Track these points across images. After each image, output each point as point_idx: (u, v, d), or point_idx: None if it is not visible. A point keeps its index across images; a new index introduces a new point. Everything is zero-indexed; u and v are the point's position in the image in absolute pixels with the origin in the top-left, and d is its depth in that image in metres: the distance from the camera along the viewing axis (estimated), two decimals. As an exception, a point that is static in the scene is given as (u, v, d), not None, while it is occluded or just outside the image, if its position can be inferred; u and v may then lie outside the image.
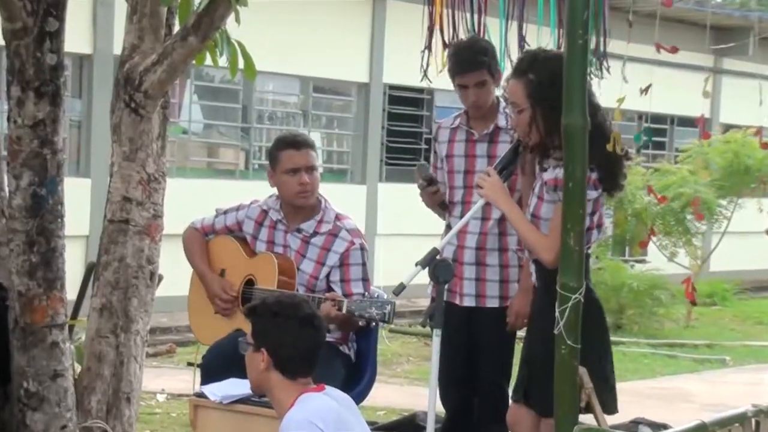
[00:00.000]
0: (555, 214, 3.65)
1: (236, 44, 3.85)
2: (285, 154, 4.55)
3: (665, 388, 8.86)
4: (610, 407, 3.72)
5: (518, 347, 4.22)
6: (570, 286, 3.27)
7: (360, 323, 4.28)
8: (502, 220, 4.50)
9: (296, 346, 3.29)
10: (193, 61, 3.88)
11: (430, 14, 5.08)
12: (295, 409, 3.19)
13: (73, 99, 11.18)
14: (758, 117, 4.47)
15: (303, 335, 3.30)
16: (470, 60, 4.53)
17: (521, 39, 5.06)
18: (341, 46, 13.18)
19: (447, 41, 5.05)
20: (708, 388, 8.86)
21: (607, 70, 4.84)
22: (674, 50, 4.30)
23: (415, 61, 5.12)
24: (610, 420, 3.67)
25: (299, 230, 4.56)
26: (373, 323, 4.22)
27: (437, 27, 5.06)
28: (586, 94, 3.25)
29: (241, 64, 3.85)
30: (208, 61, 3.91)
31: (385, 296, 4.53)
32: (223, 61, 3.89)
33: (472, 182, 4.45)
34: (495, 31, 5.10)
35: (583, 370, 3.35)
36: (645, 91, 4.49)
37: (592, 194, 3.61)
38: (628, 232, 12.45)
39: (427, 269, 3.68)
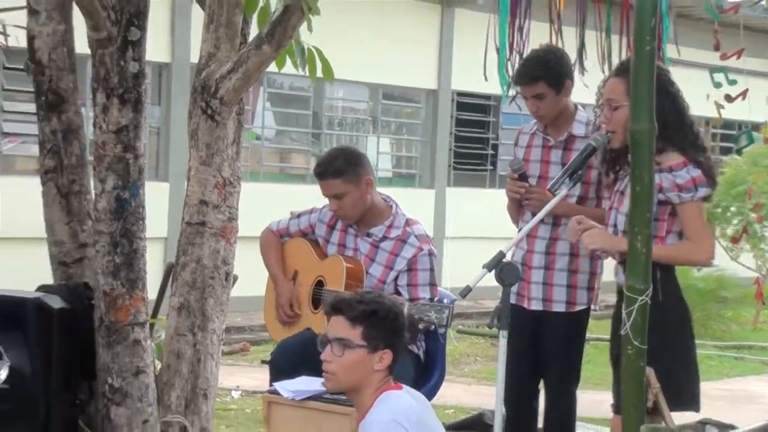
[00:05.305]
0: (691, 215, 3.68)
1: (313, 49, 3.90)
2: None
3: (732, 389, 8.72)
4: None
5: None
6: (637, 288, 3.25)
7: (420, 326, 4.28)
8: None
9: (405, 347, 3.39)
10: (270, 66, 3.92)
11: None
12: (378, 408, 3.13)
13: (153, 106, 11.32)
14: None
15: (405, 337, 3.35)
16: (524, 73, 4.53)
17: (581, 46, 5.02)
18: (410, 54, 13.18)
19: (518, 50, 5.00)
20: (775, 391, 8.72)
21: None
22: (739, 54, 4.23)
23: (482, 68, 5.10)
24: (678, 420, 3.64)
25: (369, 234, 4.59)
26: (433, 327, 4.21)
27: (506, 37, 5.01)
28: (654, 99, 3.23)
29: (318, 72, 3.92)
30: (285, 69, 3.95)
31: (451, 297, 4.53)
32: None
33: (546, 187, 4.43)
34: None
35: (650, 371, 3.33)
36: (743, 95, 4.39)
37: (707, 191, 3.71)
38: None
39: (493, 272, 3.68)
